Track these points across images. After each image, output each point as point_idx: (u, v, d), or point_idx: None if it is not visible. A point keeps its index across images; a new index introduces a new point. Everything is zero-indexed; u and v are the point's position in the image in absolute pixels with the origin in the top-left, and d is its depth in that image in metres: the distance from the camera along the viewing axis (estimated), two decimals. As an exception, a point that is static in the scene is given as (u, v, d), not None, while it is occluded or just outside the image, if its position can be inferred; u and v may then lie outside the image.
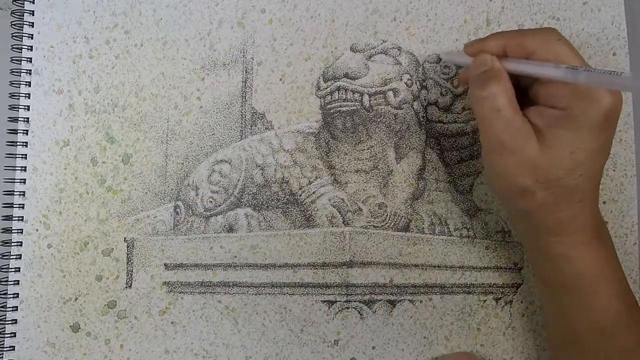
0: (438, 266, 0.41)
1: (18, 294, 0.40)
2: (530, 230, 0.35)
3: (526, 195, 0.33)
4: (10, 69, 0.41)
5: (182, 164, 0.42)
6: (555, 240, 0.34)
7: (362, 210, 0.41)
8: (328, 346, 0.40)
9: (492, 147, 0.33)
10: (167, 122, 0.42)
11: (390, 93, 0.41)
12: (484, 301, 0.41)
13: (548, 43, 0.33)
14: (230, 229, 0.41)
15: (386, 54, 0.42)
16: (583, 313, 0.34)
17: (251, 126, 0.42)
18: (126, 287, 0.40)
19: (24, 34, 0.41)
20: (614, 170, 0.42)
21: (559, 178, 0.32)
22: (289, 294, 0.40)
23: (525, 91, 0.35)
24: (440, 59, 0.42)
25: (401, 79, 0.41)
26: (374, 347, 0.40)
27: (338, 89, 0.41)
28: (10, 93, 0.41)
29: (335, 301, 0.40)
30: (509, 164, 0.32)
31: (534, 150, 0.32)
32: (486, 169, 0.35)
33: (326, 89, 0.41)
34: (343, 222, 0.40)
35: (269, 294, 0.40)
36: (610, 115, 0.31)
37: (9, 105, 0.41)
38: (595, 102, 0.31)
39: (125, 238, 0.41)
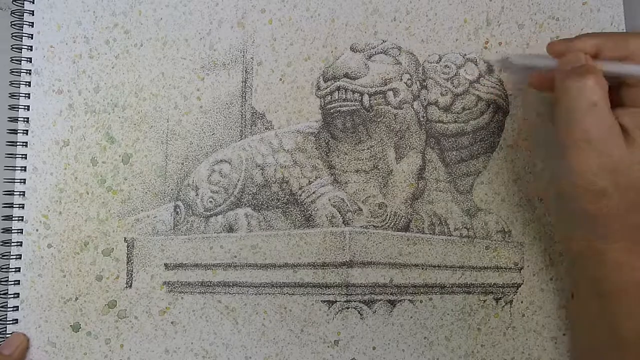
0: (438, 266, 0.41)
1: (18, 293, 0.40)
2: (588, 235, 0.34)
3: (601, 197, 0.31)
4: (10, 69, 0.41)
5: (182, 164, 0.42)
6: (617, 247, 0.33)
7: (362, 210, 0.41)
8: (328, 346, 0.40)
9: (574, 142, 0.31)
10: (167, 122, 0.42)
11: (390, 93, 0.41)
12: (484, 301, 0.41)
13: None
14: (230, 229, 0.41)
15: (386, 54, 0.42)
16: (635, 320, 0.33)
17: (251, 126, 0.42)
18: (126, 287, 0.40)
19: (24, 34, 0.41)
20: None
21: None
22: (289, 294, 0.40)
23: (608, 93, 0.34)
24: (488, 65, 0.41)
25: (401, 79, 0.41)
26: (374, 348, 0.40)
27: (338, 88, 0.41)
28: (10, 93, 0.41)
29: (335, 301, 0.40)
30: (591, 163, 0.31)
31: (620, 150, 0.31)
32: (561, 164, 0.33)
33: (326, 89, 0.41)
34: (343, 222, 0.40)
35: (269, 294, 0.40)
36: None
37: (9, 105, 0.41)
38: None
39: (125, 238, 0.41)
